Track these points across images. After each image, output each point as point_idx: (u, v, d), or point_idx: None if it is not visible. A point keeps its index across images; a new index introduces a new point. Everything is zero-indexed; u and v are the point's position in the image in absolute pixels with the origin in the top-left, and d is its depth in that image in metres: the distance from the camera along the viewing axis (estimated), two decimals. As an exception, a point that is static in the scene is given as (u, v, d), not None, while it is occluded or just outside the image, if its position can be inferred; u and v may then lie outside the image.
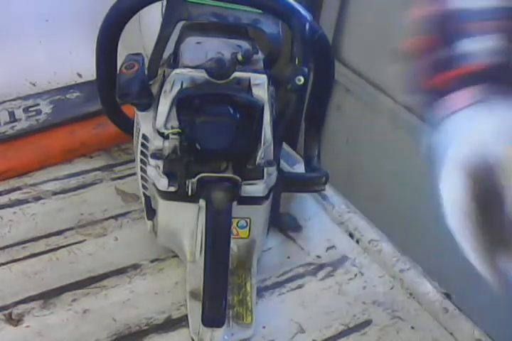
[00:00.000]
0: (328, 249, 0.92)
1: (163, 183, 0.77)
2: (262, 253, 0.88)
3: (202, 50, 0.80)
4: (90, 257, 0.88)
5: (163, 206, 0.80)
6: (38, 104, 1.01)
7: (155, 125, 0.77)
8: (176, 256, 0.87)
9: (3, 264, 0.86)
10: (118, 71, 0.76)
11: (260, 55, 0.81)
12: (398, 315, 0.84)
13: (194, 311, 0.77)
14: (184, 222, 0.81)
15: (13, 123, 0.99)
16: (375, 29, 1.28)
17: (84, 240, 0.90)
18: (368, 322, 0.83)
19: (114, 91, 0.75)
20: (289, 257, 0.91)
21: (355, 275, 0.89)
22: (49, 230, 0.91)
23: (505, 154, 0.48)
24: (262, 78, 0.76)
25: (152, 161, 0.78)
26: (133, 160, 0.88)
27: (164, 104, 0.76)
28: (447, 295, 0.86)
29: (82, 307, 0.81)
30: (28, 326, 0.79)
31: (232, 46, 0.81)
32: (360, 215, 0.98)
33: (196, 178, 0.75)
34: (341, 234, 0.95)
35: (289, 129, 0.88)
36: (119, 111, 0.91)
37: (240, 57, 0.77)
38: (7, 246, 0.88)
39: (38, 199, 0.96)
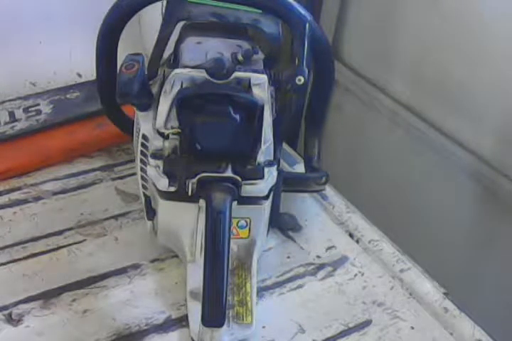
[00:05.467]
0: (328, 249, 0.92)
1: (163, 183, 0.77)
2: (262, 253, 0.88)
3: (202, 50, 0.80)
4: (90, 257, 0.88)
5: (163, 206, 0.80)
6: (38, 104, 1.01)
7: (155, 125, 0.77)
8: (176, 256, 0.87)
9: (3, 264, 0.86)
10: (118, 71, 0.76)
11: (260, 55, 0.81)
12: (398, 315, 0.84)
13: (194, 311, 0.77)
14: (184, 222, 0.81)
15: (13, 123, 0.99)
16: (375, 29, 1.29)
17: (84, 240, 0.90)
18: (367, 322, 0.83)
19: (114, 91, 0.75)
20: (289, 257, 0.91)
21: (355, 275, 0.89)
22: (49, 230, 0.91)
23: None
24: (262, 78, 0.76)
25: (152, 161, 0.78)
26: (133, 160, 0.88)
27: (164, 104, 0.76)
28: (447, 295, 0.87)
29: (82, 307, 0.81)
30: (28, 326, 0.78)
31: (232, 46, 0.81)
32: (360, 215, 0.98)
33: (196, 178, 0.75)
34: (341, 234, 0.95)
35: (289, 129, 0.88)
36: (119, 111, 0.91)
37: (240, 57, 0.77)
38: (7, 246, 0.88)
39: (38, 199, 0.96)
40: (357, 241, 0.94)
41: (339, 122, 1.35)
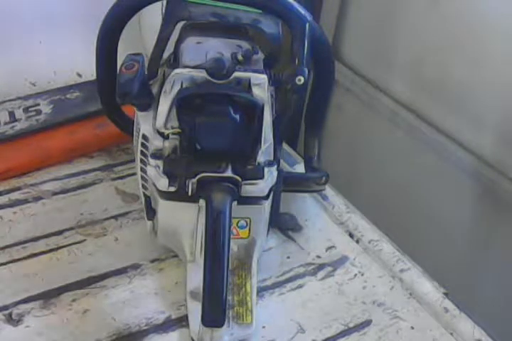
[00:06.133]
0: (328, 248, 0.92)
1: (163, 183, 0.77)
2: (262, 253, 0.88)
3: (202, 50, 0.80)
4: (90, 257, 0.88)
5: (163, 206, 0.80)
6: (38, 104, 1.01)
7: (155, 125, 0.77)
8: (176, 256, 0.87)
9: (3, 264, 0.86)
10: (118, 71, 0.76)
11: (260, 55, 0.81)
12: (398, 315, 0.84)
13: (194, 311, 0.77)
14: (184, 222, 0.81)
15: (13, 123, 0.99)
16: (375, 29, 1.29)
17: (84, 240, 0.90)
18: (367, 322, 0.83)
19: (114, 91, 0.75)
20: (289, 257, 0.91)
21: (355, 275, 0.89)
22: (49, 230, 0.91)
23: None
24: (262, 78, 0.76)
25: (152, 161, 0.78)
26: (133, 160, 0.88)
27: (164, 104, 0.76)
28: (447, 295, 0.87)
29: (82, 307, 0.81)
30: (28, 326, 0.79)
31: (232, 46, 0.81)
32: (360, 215, 0.98)
33: (196, 178, 0.75)
34: (341, 234, 0.95)
35: (289, 129, 0.88)
36: (119, 111, 0.91)
37: (240, 57, 0.77)
38: (7, 246, 0.88)
39: (38, 199, 0.96)
40: (357, 241, 0.94)
41: (339, 122, 1.35)
